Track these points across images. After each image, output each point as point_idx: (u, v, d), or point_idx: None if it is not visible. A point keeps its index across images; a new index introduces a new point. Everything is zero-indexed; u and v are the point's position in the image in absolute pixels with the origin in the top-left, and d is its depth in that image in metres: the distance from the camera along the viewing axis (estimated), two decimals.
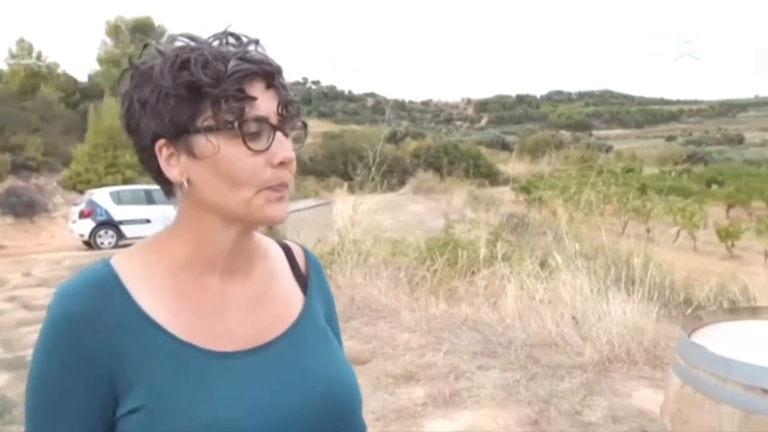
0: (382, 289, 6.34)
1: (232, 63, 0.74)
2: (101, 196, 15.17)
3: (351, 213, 8.29)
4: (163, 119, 0.74)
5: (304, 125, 0.82)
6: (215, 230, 0.80)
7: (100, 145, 21.83)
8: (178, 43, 0.77)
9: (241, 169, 0.75)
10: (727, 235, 14.56)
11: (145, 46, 0.79)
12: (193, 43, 0.77)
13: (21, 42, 30.10)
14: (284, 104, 0.77)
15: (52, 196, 21.27)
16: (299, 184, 24.14)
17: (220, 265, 0.82)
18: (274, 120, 0.76)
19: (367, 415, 1.28)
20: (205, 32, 0.79)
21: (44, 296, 8.03)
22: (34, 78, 29.26)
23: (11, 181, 20.74)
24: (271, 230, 5.72)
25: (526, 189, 23.34)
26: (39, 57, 30.49)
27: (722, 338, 1.82)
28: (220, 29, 0.79)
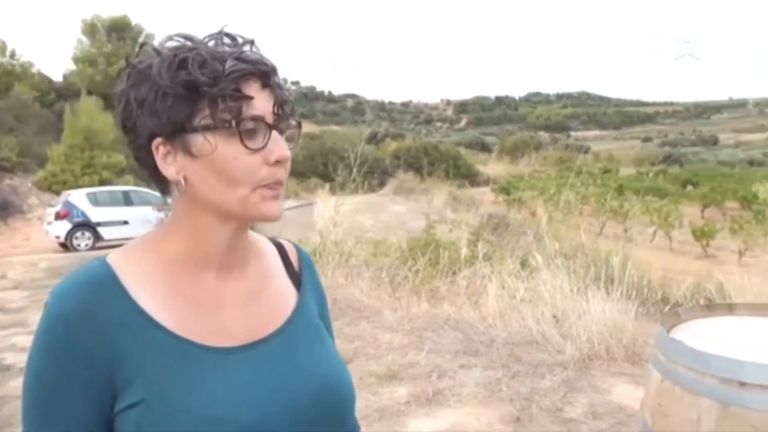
0: (364, 289, 6.35)
1: (229, 63, 0.75)
2: (78, 197, 14.94)
3: (332, 214, 8.30)
4: (160, 118, 0.75)
5: (299, 125, 0.84)
6: (211, 228, 0.81)
7: (77, 145, 21.47)
8: (175, 43, 0.78)
9: (238, 167, 0.76)
10: (702, 234, 14.80)
11: (142, 45, 0.80)
12: (189, 43, 0.77)
13: None
14: (280, 104, 0.79)
15: (27, 197, 20.88)
16: None
17: (216, 262, 0.83)
18: (270, 119, 0.78)
19: None
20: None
21: (20, 299, 7.89)
22: (7, 77, 28.67)
23: None
24: (253, 230, 5.69)
25: (505, 190, 23.51)
26: (13, 56, 29.90)
27: (700, 334, 1.86)
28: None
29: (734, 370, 1.54)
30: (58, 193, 17.56)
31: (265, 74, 0.77)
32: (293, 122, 0.82)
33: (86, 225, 14.52)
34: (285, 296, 0.91)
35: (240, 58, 0.76)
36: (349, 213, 8.63)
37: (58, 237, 14.48)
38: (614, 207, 16.02)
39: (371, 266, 7.01)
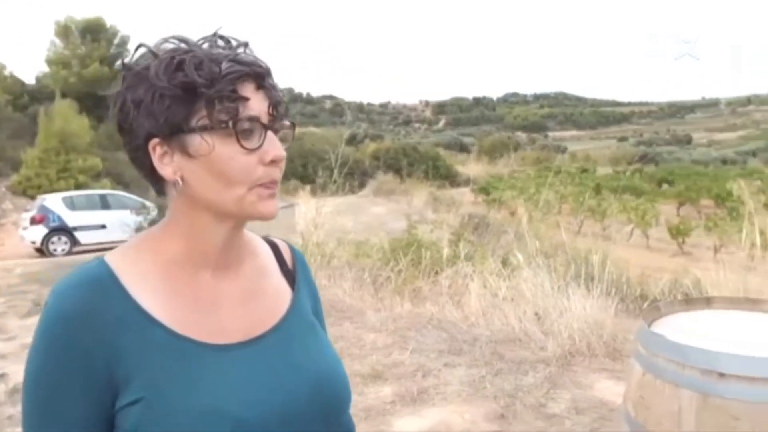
0: (346, 290, 6.36)
1: (225, 65, 0.76)
2: (54, 201, 14.71)
3: (314, 215, 8.29)
4: (157, 119, 0.76)
5: (293, 125, 0.85)
6: (208, 227, 0.82)
7: (52, 149, 21.11)
8: (170, 45, 0.79)
9: (235, 167, 0.77)
10: (678, 232, 15.02)
11: (138, 47, 0.81)
12: (185, 45, 0.79)
13: None
14: (274, 104, 0.80)
15: (1, 202, 20.51)
16: None
17: (212, 261, 0.84)
18: (265, 119, 0.79)
19: None
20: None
21: None
22: None
23: None
24: None
25: (485, 190, 23.67)
26: None
27: (679, 327, 1.91)
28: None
29: (713, 362, 1.59)
30: (33, 198, 17.27)
31: (260, 76, 0.79)
32: (287, 122, 0.84)
33: (63, 230, 14.31)
34: (280, 294, 0.92)
35: (235, 60, 0.77)
36: (330, 214, 8.62)
37: (33, 242, 14.25)
38: (592, 206, 16.21)
39: (353, 267, 7.02)
